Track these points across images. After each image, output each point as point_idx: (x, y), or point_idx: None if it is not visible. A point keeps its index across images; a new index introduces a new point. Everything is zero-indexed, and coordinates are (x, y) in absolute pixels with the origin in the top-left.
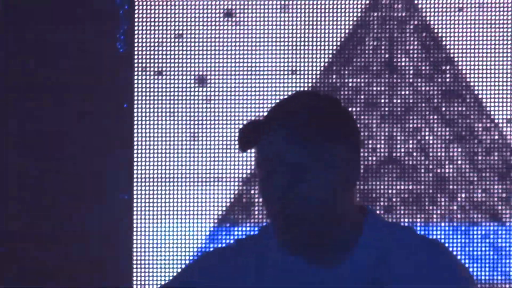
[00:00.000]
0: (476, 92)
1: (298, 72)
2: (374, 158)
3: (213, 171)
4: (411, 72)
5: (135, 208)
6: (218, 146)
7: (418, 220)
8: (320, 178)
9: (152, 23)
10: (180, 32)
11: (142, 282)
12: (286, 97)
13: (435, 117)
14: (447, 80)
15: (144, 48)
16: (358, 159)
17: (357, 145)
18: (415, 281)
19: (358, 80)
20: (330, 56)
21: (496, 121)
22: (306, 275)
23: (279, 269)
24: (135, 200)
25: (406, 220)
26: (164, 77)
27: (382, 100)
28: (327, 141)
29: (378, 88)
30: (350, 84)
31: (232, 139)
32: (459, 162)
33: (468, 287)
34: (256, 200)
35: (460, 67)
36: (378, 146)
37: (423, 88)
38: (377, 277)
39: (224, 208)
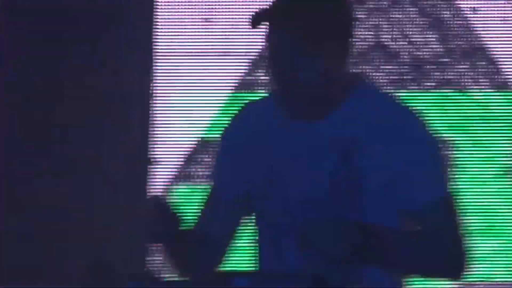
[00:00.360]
0: None
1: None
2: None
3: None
4: None
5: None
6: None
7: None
8: (316, 52)
9: None
10: None
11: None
12: None
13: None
14: None
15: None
16: (350, 33)
17: (349, 22)
18: (391, 143)
19: None
20: None
21: None
22: (298, 129)
23: (277, 125)
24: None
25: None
26: None
27: None
28: (324, 18)
29: None
30: None
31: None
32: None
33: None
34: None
35: None
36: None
37: None
38: (359, 136)
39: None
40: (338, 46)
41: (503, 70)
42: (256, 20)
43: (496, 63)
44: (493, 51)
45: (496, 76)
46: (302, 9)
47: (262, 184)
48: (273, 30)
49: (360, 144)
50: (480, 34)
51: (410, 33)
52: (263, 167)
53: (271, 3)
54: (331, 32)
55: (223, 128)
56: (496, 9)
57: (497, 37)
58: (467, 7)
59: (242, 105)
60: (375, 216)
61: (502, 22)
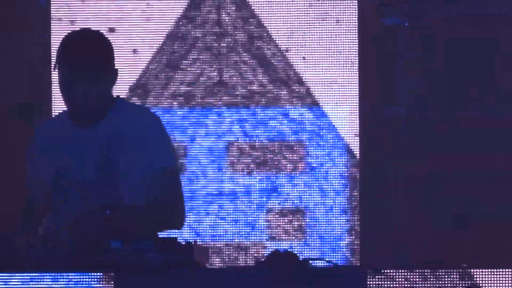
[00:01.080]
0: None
1: None
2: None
3: None
4: None
5: None
6: None
7: None
8: (102, 84)
9: None
10: None
11: None
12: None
13: None
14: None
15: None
16: (114, 73)
17: (111, 67)
18: (143, 138)
19: None
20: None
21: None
22: (80, 137)
23: (68, 134)
24: None
25: None
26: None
27: None
28: (107, 60)
29: None
30: None
31: None
32: None
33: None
34: None
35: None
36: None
37: None
38: (115, 136)
39: None
40: (103, 78)
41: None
42: (56, 63)
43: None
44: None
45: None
46: (85, 58)
47: (55, 174)
48: (67, 67)
49: (120, 140)
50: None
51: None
52: (55, 162)
53: (65, 51)
54: (98, 71)
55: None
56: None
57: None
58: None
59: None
60: (127, 189)
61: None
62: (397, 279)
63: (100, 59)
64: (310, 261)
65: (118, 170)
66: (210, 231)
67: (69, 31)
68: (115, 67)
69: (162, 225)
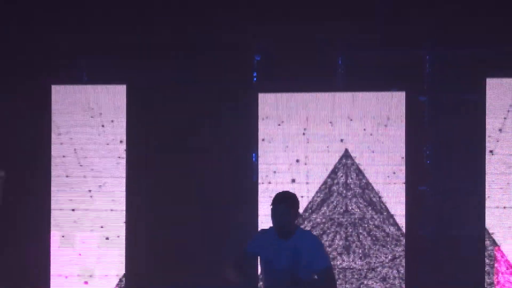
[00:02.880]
0: None
1: None
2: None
3: None
4: None
5: None
6: None
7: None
8: (290, 215)
9: None
10: None
11: None
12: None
13: None
14: None
15: None
16: (298, 210)
17: (298, 208)
18: (312, 250)
19: None
20: None
21: None
22: (280, 244)
23: (273, 241)
24: None
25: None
26: None
27: None
28: (293, 205)
29: None
30: None
31: None
32: None
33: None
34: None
35: None
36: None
37: None
38: (299, 246)
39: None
40: (294, 213)
41: None
42: (273, 203)
43: None
44: None
45: None
46: (285, 203)
47: (265, 261)
48: (277, 205)
49: (300, 249)
50: None
51: None
52: (265, 254)
53: (277, 198)
54: (293, 209)
55: (255, 234)
56: None
57: None
58: None
59: (263, 228)
60: (305, 274)
61: None
62: None
63: (296, 205)
64: None
65: (300, 264)
66: None
67: (279, 192)
68: (298, 211)
69: None
